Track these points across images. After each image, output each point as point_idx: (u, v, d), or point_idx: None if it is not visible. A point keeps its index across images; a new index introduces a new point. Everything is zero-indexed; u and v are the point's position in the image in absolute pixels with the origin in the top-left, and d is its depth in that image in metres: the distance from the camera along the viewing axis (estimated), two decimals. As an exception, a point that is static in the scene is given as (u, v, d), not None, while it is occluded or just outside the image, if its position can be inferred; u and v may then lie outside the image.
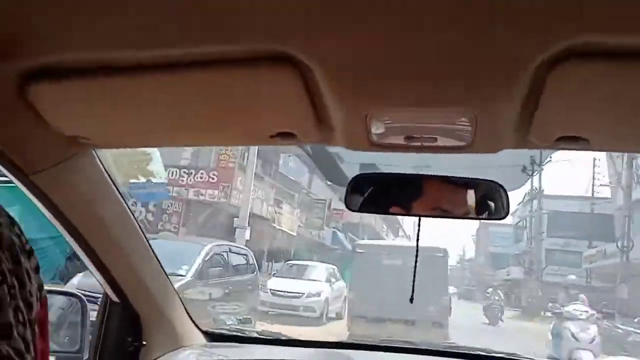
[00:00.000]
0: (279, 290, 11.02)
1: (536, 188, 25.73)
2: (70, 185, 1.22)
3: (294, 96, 0.83)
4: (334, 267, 13.54)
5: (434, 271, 8.35)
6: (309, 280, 11.71)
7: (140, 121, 1.00)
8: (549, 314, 18.22)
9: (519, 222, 33.63)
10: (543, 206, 26.23)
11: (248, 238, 11.33)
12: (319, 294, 11.08)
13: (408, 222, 38.04)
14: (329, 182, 22.15)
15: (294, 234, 17.83)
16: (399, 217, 36.06)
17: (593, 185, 25.62)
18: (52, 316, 1.59)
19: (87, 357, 1.52)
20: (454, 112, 0.87)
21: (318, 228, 19.89)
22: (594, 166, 25.39)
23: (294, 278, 11.90)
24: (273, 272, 14.28)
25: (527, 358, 1.76)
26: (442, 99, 0.83)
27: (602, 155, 24.42)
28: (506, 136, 0.91)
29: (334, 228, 22.84)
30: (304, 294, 10.85)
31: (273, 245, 16.83)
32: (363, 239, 23.19)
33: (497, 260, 35.99)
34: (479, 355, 1.77)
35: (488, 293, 16.41)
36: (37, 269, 0.59)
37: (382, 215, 26.35)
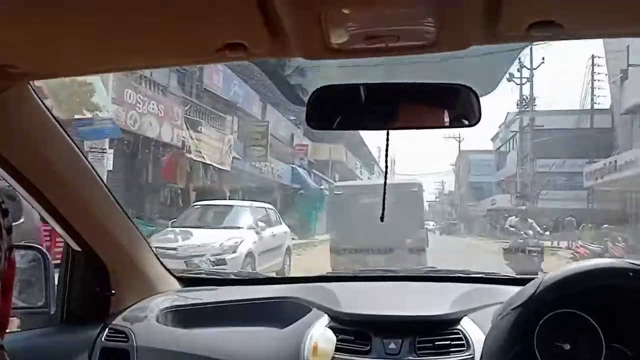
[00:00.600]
0: (166, 248, 7.80)
1: (526, 98, 24.65)
2: (6, 123, 1.24)
3: None
4: (269, 207, 11.15)
5: (410, 205, 9.89)
6: (225, 228, 9.20)
7: (72, 43, 1.00)
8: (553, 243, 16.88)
9: (501, 146, 34.43)
10: (531, 124, 25.67)
11: (110, 168, 8.97)
12: (234, 249, 8.46)
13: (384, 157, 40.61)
14: (292, 117, 21.33)
15: (227, 168, 15.11)
16: (375, 154, 37.15)
17: (592, 89, 25.24)
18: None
19: (54, 310, 1.64)
20: (415, 4, 0.89)
21: (260, 159, 17.53)
22: (592, 65, 25.05)
23: (202, 227, 9.27)
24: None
25: (507, 276, 1.98)
26: None
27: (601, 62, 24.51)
28: (474, 29, 0.94)
29: (297, 165, 21.37)
30: (206, 250, 8.20)
31: (197, 184, 14.10)
32: (334, 177, 24.35)
33: (479, 191, 37.94)
34: (459, 277, 1.98)
35: (512, 226, 11.59)
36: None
37: (354, 152, 27.88)
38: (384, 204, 1.40)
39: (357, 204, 10.68)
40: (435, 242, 13.34)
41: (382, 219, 1.38)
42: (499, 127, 32.79)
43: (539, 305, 1.26)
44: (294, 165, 21.14)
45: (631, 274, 1.22)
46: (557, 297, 1.27)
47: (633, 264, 1.24)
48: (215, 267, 7.75)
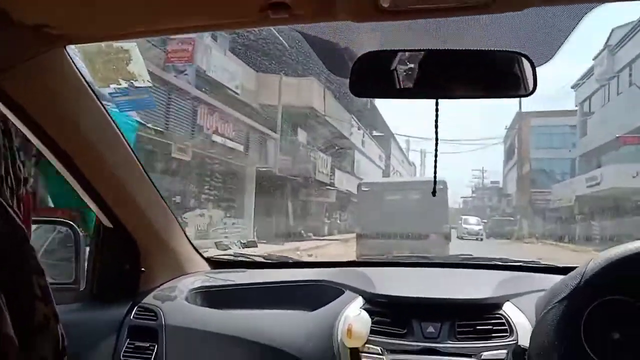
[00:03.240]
0: None
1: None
2: (42, 90, 1.36)
3: None
4: None
5: (434, 202, 11.50)
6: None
7: (109, 3, 1.11)
8: None
9: (592, 96, 26.09)
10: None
11: None
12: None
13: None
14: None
15: None
16: (393, 127, 34.36)
17: None
18: (44, 246, 1.88)
19: (84, 287, 1.86)
20: None
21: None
22: None
23: None
24: None
25: (547, 264, 2.11)
26: None
27: None
28: None
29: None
30: None
31: None
32: (287, 134, 17.60)
33: (549, 172, 30.67)
34: (496, 264, 2.13)
35: None
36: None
37: (346, 103, 20.98)
38: (435, 179, 1.53)
39: (383, 200, 13.02)
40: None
41: (434, 193, 1.56)
42: (594, 59, 25.18)
43: (585, 295, 1.33)
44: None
45: None
46: (603, 285, 1.33)
47: None
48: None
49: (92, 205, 1.78)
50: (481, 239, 23.93)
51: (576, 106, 28.71)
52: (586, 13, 1.34)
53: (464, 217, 28.72)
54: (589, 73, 26.56)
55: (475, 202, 46.17)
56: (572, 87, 29.01)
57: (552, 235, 23.98)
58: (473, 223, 26.87)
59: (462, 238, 23.06)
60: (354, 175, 24.48)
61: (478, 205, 44.29)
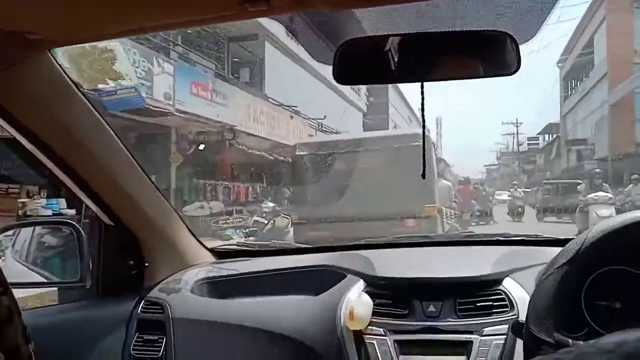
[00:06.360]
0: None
1: None
2: (29, 94, 1.46)
3: None
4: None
5: (412, 168, 6.47)
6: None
7: (89, 4, 1.18)
8: None
9: None
10: None
11: None
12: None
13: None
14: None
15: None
16: None
17: None
18: (48, 247, 2.01)
19: (90, 284, 1.99)
20: None
21: None
22: None
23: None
24: None
25: (549, 237, 2.21)
26: None
27: None
28: None
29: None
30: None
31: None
32: None
33: None
34: (498, 240, 2.25)
35: None
36: None
37: None
38: (424, 160, 1.54)
39: (330, 169, 9.51)
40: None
41: (423, 175, 1.53)
42: None
43: (584, 262, 1.40)
44: None
45: None
46: (603, 253, 1.40)
47: None
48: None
49: (91, 204, 1.91)
50: None
51: None
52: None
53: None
54: None
55: (502, 170, 34.76)
56: None
57: None
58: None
59: None
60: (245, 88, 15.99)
61: (509, 173, 31.69)
